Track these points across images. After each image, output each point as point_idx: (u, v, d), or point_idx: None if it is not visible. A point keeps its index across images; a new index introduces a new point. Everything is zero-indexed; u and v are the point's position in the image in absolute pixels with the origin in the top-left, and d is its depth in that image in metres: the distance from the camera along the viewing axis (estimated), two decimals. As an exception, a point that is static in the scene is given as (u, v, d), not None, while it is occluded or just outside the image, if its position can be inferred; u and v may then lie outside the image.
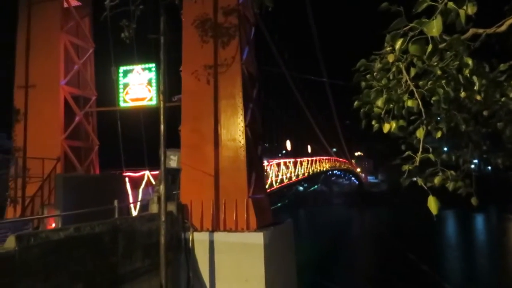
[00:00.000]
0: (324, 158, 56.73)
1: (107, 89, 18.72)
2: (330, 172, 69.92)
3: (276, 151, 43.32)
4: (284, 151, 48.84)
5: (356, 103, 4.94)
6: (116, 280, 10.66)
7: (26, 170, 15.62)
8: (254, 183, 14.57)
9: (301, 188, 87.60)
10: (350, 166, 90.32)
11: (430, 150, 3.70)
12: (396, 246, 37.58)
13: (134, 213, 16.82)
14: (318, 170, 49.13)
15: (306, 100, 49.31)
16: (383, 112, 4.27)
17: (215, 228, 13.92)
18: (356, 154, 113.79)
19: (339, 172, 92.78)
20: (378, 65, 4.75)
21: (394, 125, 4.18)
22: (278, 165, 31.35)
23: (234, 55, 14.54)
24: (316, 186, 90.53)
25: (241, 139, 14.21)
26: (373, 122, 4.91)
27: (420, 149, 3.71)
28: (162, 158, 11.87)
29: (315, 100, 56.12)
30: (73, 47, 17.65)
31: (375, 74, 4.81)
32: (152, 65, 17.08)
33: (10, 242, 7.95)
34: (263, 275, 12.80)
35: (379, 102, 4.47)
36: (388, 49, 4.67)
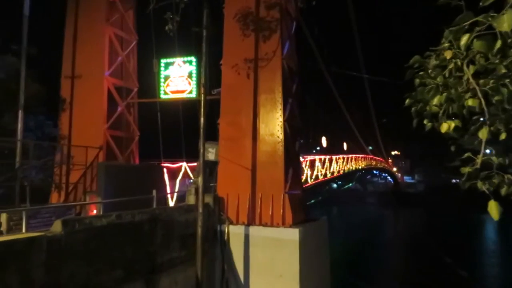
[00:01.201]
0: (360, 156, 55.79)
1: (148, 80, 19.14)
2: (365, 170, 68.68)
3: (311, 147, 42.96)
4: (318, 148, 48.40)
5: (407, 101, 4.78)
6: (153, 268, 10.89)
7: (71, 158, 16.19)
8: (291, 179, 14.49)
9: (334, 185, 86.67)
10: (386, 165, 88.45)
11: (493, 152, 3.51)
12: (432, 249, 36.57)
13: (171, 203, 17.14)
14: (353, 168, 48.38)
15: (343, 97, 48.55)
16: (441, 112, 4.09)
17: (250, 222, 13.96)
18: (393, 153, 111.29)
19: (374, 171, 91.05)
20: (433, 61, 4.56)
21: (452, 125, 4.00)
22: (313, 161, 31.11)
23: (275, 49, 14.45)
24: (350, 184, 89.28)
25: (279, 134, 14.15)
26: (425, 121, 4.73)
27: (482, 151, 3.53)
28: (201, 151, 11.97)
29: (353, 97, 55.19)
30: (117, 39, 18.10)
31: (429, 71, 4.64)
32: (193, 58, 17.30)
33: (57, 226, 8.25)
34: (298, 271, 12.73)
35: (435, 101, 4.30)
36: (445, 45, 4.48)
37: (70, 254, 8.36)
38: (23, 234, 8.54)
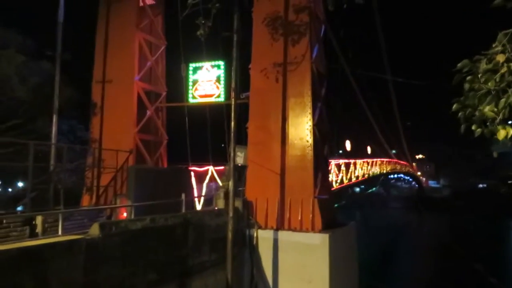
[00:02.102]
0: (384, 160, 55.01)
1: (175, 85, 19.36)
2: (389, 174, 67.65)
3: (335, 151, 42.48)
4: (340, 151, 47.87)
5: (455, 106, 4.68)
6: (185, 271, 10.97)
7: (101, 161, 16.45)
8: (320, 183, 14.38)
9: (357, 189, 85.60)
10: (410, 169, 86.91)
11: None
12: (459, 255, 35.59)
13: (198, 207, 17.22)
14: (377, 173, 47.74)
15: (368, 99, 47.87)
16: (498, 118, 3.98)
17: (279, 226, 13.91)
18: (417, 157, 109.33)
19: (398, 175, 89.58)
20: (484, 66, 4.45)
21: (511, 131, 3.88)
22: (338, 165, 30.82)
23: (304, 53, 14.41)
24: (374, 189, 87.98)
25: (308, 138, 14.07)
26: (474, 127, 4.62)
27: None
28: (232, 155, 11.99)
29: (377, 99, 54.35)
30: (147, 44, 18.35)
31: (479, 75, 4.52)
32: (221, 62, 17.41)
33: (95, 230, 8.40)
34: (327, 277, 12.62)
35: (490, 107, 4.19)
36: (498, 48, 4.36)
37: (107, 257, 8.50)
38: (62, 236, 8.73)
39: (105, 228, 8.52)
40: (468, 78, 4.57)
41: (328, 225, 14.02)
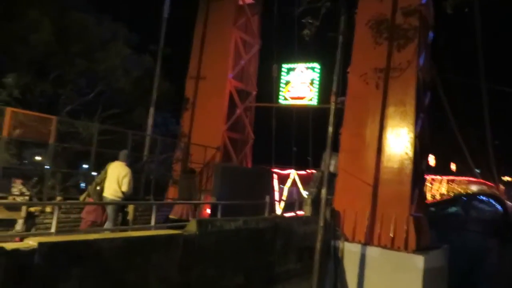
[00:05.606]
0: (472, 179, 51.11)
1: (263, 85, 19.24)
2: (472, 195, 62.73)
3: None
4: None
5: None
6: (271, 278, 10.60)
7: (189, 155, 16.65)
8: (417, 200, 13.34)
9: (432, 208, 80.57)
10: (496, 191, 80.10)
11: None
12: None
13: (278, 210, 16.83)
14: (463, 192, 44.45)
15: (455, 112, 44.45)
16: None
17: (368, 241, 13.08)
18: (504, 179, 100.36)
19: (481, 196, 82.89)
20: None
21: None
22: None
23: (410, 59, 13.43)
24: (454, 209, 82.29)
25: (408, 150, 13.07)
26: None
27: None
28: (327, 161, 11.44)
29: (465, 111, 50.21)
30: (242, 42, 18.36)
31: None
32: (316, 64, 16.92)
33: (192, 226, 8.26)
34: (420, 302, 11.62)
35: None
36: None
37: (202, 255, 8.32)
38: (158, 230, 8.71)
39: (202, 226, 8.35)
40: None
41: (421, 246, 12.94)
